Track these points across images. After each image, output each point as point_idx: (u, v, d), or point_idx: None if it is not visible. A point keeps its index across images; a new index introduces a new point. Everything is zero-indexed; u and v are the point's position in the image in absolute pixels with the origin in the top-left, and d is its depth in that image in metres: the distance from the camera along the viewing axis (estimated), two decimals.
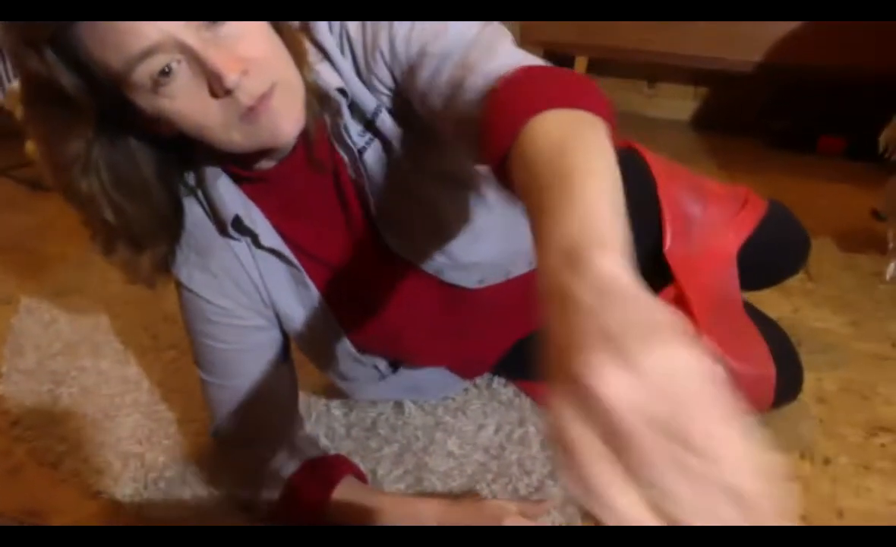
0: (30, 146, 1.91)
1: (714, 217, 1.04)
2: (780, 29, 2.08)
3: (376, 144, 0.82)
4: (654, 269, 1.01)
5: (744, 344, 1.00)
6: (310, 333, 0.92)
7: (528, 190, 0.51)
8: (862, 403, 1.11)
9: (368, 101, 0.79)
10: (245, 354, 0.89)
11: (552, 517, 0.92)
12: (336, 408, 1.13)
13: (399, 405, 1.12)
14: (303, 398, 1.09)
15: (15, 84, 1.94)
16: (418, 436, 1.07)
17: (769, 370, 1.00)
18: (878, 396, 1.13)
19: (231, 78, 0.63)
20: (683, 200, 1.03)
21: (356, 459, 0.99)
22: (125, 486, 0.99)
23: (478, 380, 1.17)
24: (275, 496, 0.90)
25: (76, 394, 1.17)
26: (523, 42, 2.38)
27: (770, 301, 1.38)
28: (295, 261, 0.86)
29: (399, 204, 0.85)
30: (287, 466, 0.91)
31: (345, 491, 0.89)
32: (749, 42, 2.12)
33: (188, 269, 0.85)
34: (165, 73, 0.64)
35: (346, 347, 0.94)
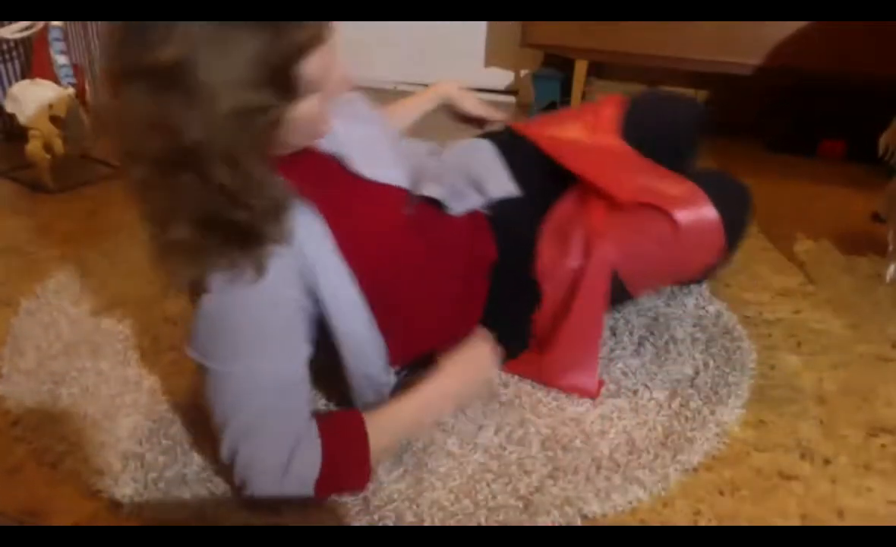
0: (30, 148, 1.92)
1: (577, 127, 1.28)
2: (781, 32, 2.08)
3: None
4: (554, 183, 1.22)
5: (668, 185, 1.14)
6: (335, 302, 0.94)
7: None
8: (862, 404, 1.12)
9: None
10: (278, 332, 0.91)
11: (552, 517, 0.93)
12: (336, 407, 1.13)
13: None
14: None
15: (15, 87, 1.93)
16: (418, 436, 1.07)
17: (697, 192, 1.11)
18: (879, 397, 1.13)
19: None
20: (546, 131, 1.29)
21: None
22: (125, 486, 0.99)
23: None
24: (309, 491, 0.90)
25: (76, 394, 1.17)
26: (524, 44, 2.39)
27: (770, 302, 1.39)
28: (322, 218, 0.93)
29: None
30: (313, 449, 0.91)
31: (371, 431, 0.94)
32: (749, 45, 2.13)
33: None
34: None
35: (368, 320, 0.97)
